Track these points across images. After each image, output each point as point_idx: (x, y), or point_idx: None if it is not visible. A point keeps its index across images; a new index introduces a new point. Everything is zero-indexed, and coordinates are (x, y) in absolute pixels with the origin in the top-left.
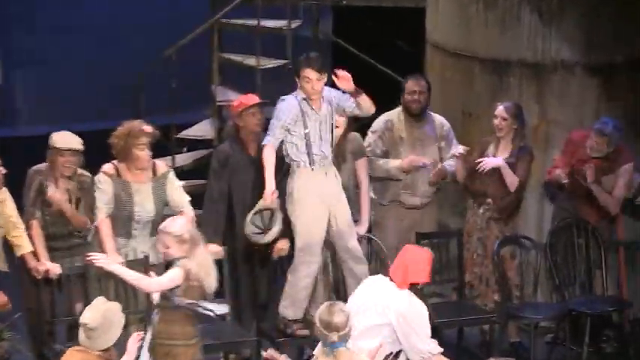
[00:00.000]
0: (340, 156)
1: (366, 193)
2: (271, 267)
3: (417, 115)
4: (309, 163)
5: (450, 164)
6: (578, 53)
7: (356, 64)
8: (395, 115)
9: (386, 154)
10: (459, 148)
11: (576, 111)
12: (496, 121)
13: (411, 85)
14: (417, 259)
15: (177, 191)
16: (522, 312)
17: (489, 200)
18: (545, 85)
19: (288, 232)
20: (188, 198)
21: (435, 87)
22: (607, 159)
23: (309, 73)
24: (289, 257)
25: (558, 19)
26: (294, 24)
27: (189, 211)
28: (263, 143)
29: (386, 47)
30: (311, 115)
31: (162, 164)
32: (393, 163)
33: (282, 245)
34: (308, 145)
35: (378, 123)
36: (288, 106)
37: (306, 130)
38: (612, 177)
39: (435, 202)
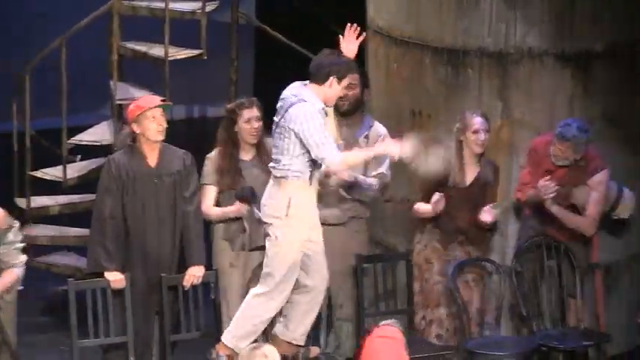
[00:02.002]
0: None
1: None
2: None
3: (346, 114)
4: (309, 178)
5: (368, 183)
6: (549, 40)
7: (284, 54)
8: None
9: None
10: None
11: (546, 108)
12: (479, 137)
13: (353, 77)
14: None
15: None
16: (484, 348)
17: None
18: (510, 79)
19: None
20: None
21: (378, 81)
22: (576, 167)
23: (354, 79)
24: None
25: (524, 0)
26: (210, 6)
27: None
28: (330, 163)
29: (319, 34)
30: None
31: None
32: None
33: (196, 272)
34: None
35: None
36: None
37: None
38: (584, 189)
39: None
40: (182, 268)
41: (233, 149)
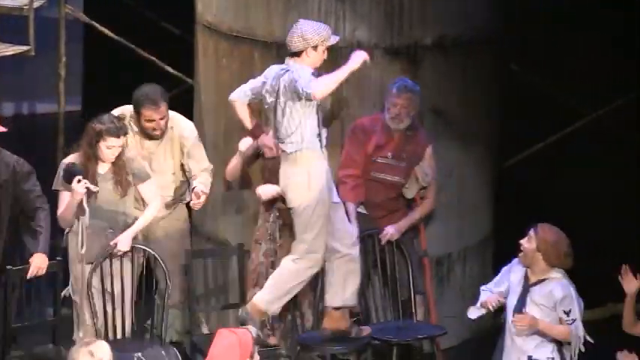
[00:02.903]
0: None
1: None
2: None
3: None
4: (320, 147)
5: (203, 186)
6: (378, 34)
7: (114, 51)
8: (127, 113)
9: None
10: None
11: (377, 102)
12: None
13: (149, 112)
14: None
15: None
16: (316, 342)
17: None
18: None
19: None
20: None
21: (209, 75)
22: (406, 136)
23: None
24: None
25: None
26: (37, 2)
27: None
28: (314, 91)
29: (150, 30)
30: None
31: None
32: None
33: (40, 263)
34: (319, 126)
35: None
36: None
37: (318, 104)
38: (415, 160)
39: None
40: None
41: (93, 164)
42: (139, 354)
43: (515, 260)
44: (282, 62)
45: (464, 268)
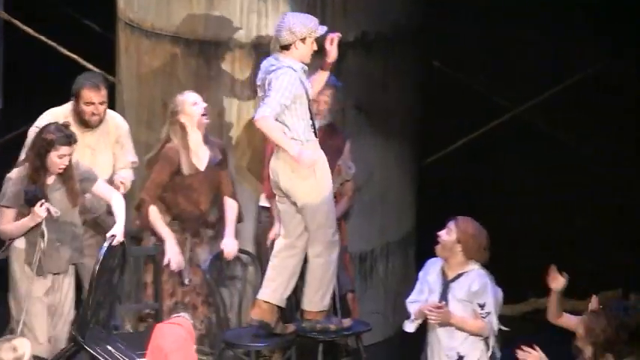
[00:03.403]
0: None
1: None
2: None
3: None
4: (315, 135)
5: (122, 176)
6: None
7: (34, 48)
8: (61, 115)
9: None
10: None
11: None
12: (199, 107)
13: (88, 94)
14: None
15: None
16: (242, 339)
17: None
18: None
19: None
20: None
21: (131, 74)
22: (327, 129)
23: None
24: None
25: None
26: None
27: None
28: (260, 116)
29: (71, 27)
30: (307, 86)
31: None
32: None
33: None
34: (312, 116)
35: (43, 119)
36: (291, 79)
37: (308, 98)
38: (337, 155)
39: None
40: None
41: (42, 176)
42: None
43: (429, 262)
44: (205, 60)
45: (386, 264)
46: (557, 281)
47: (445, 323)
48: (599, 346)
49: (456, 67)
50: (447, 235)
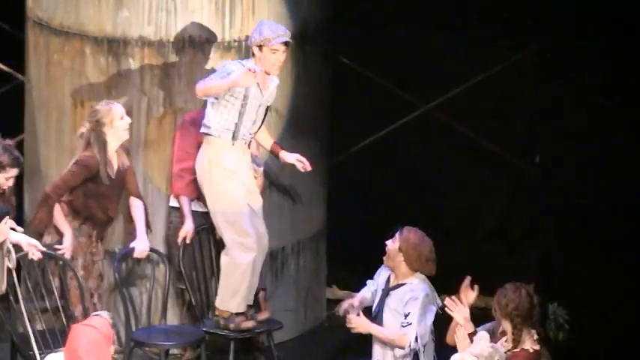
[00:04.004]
0: None
1: None
2: None
3: None
4: (232, 138)
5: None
6: (209, 30)
7: None
8: None
9: None
10: None
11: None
12: (127, 120)
13: None
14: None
15: None
16: (150, 338)
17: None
18: (171, 68)
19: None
20: None
21: (40, 71)
22: None
23: (281, 47)
24: None
25: None
26: None
27: None
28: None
29: None
30: (255, 93)
31: None
32: None
33: None
34: (239, 120)
35: None
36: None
37: (244, 102)
38: None
39: None
40: None
41: None
42: None
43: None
44: (114, 58)
45: (298, 261)
46: (469, 295)
47: (363, 331)
48: (514, 317)
49: (366, 64)
50: (392, 243)
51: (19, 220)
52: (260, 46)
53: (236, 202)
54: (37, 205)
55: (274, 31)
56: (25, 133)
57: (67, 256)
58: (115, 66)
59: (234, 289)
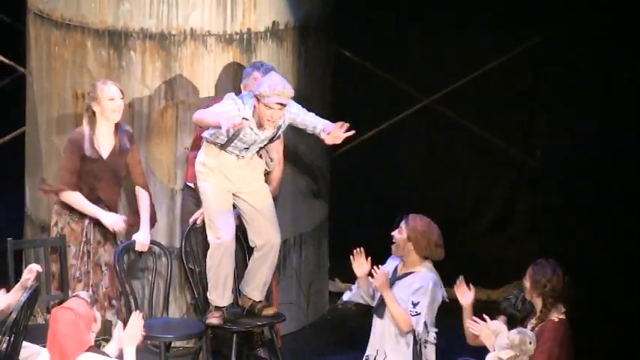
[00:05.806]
0: None
1: None
2: None
3: None
4: (220, 148)
5: None
6: (210, 21)
7: None
8: None
9: None
10: None
11: (210, 89)
12: (116, 103)
13: None
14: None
15: None
16: (152, 331)
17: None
18: (173, 60)
19: None
20: None
21: (41, 64)
22: None
23: (276, 106)
24: None
25: None
26: None
27: None
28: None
29: None
30: (249, 132)
31: None
32: None
33: None
34: (227, 143)
35: None
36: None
37: (233, 137)
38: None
39: None
40: None
41: None
42: None
43: (391, 257)
44: (115, 50)
45: (300, 254)
46: (465, 295)
47: (381, 288)
48: (548, 296)
49: (368, 57)
50: (399, 234)
51: (20, 213)
52: (258, 99)
53: (210, 199)
54: (56, 202)
55: (272, 89)
56: (26, 126)
57: (119, 229)
58: (117, 59)
59: (211, 284)
